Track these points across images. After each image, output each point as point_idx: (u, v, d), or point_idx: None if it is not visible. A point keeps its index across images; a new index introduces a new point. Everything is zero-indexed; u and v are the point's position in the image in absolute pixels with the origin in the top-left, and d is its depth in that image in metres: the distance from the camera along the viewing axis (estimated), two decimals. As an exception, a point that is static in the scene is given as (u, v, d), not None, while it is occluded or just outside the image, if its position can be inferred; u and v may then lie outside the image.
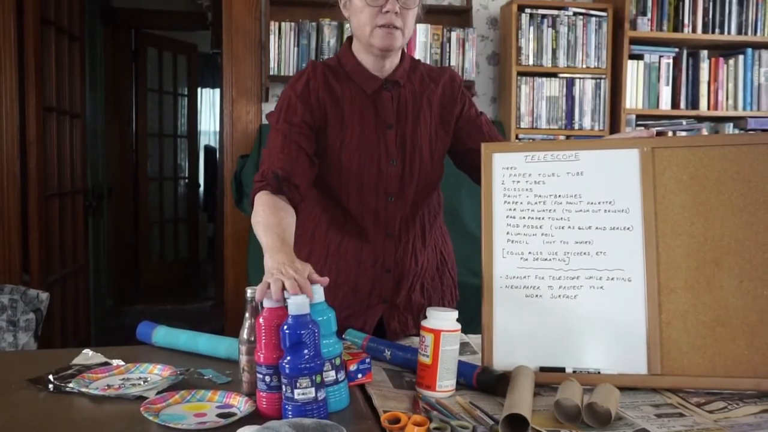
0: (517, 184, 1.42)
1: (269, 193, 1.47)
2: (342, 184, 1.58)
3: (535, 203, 1.40)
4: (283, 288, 1.13)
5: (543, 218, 1.39)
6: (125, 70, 5.76)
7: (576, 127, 3.74)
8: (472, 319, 1.47)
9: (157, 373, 1.33)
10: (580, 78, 3.72)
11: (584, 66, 3.71)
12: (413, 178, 1.61)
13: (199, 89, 7.14)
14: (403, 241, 1.64)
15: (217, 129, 7.68)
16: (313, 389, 1.08)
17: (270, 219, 1.39)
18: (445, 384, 1.26)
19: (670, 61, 3.81)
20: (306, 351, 1.08)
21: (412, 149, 1.60)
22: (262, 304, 1.15)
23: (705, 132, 3.83)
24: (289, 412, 1.09)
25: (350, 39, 1.63)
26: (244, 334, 1.22)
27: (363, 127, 1.58)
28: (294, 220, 1.45)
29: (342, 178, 1.58)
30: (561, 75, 3.72)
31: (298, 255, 1.62)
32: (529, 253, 1.39)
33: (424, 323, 1.29)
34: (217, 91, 7.54)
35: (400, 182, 1.60)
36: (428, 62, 3.20)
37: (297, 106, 1.55)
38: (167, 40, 6.28)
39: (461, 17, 3.75)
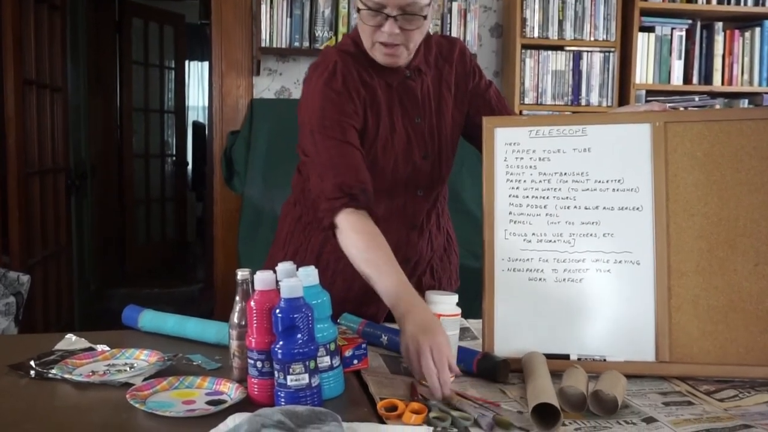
0: (520, 160, 1.41)
1: (354, 210, 1.40)
2: (374, 181, 1.48)
3: (540, 181, 1.40)
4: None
5: (548, 197, 1.39)
6: (109, 41, 5.72)
7: (583, 103, 3.73)
8: (473, 304, 1.47)
9: (143, 358, 1.33)
10: (587, 51, 3.70)
11: (592, 38, 3.68)
12: (442, 170, 1.59)
13: (186, 62, 7.10)
14: (425, 231, 1.63)
15: (206, 104, 7.64)
16: (306, 375, 1.08)
17: (379, 254, 1.35)
18: (444, 370, 1.26)
19: (683, 33, 3.79)
20: (299, 335, 1.08)
21: (439, 140, 1.58)
22: (253, 285, 1.15)
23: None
24: (282, 399, 1.09)
25: None
26: (235, 318, 1.22)
27: (394, 122, 1.53)
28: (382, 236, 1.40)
29: (375, 175, 1.49)
30: (567, 48, 3.70)
31: (310, 243, 1.61)
32: (533, 234, 1.39)
33: (423, 307, 1.28)
34: (206, 64, 7.49)
35: (431, 176, 1.58)
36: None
37: (342, 105, 1.46)
38: (153, 10, 6.22)
39: (463, -14, 3.72)
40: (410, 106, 1.55)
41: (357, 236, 1.38)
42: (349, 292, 1.55)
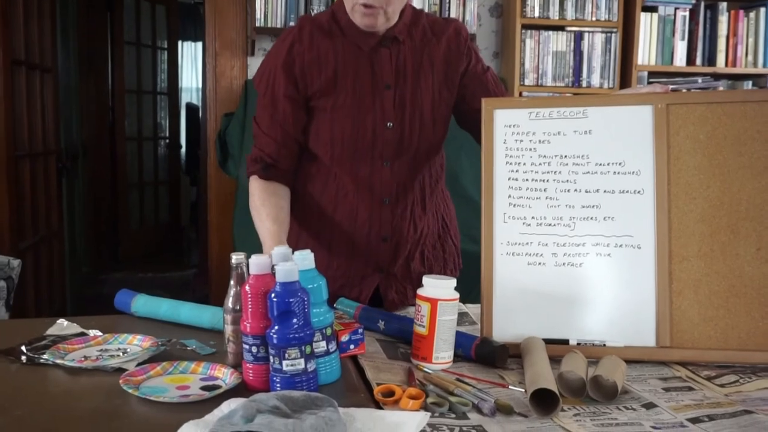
0: (520, 143, 1.41)
1: (263, 180, 1.58)
2: (334, 150, 1.57)
3: (540, 164, 1.39)
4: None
5: (547, 180, 1.39)
6: (100, 20, 5.68)
7: (584, 84, 3.72)
8: (472, 289, 1.47)
9: (136, 343, 1.33)
10: (589, 31, 3.69)
11: (594, 18, 3.67)
12: (412, 142, 1.59)
13: (180, 42, 7.06)
14: (401, 208, 1.63)
15: (200, 85, 7.61)
16: (302, 360, 1.09)
17: (264, 207, 1.54)
18: (441, 356, 1.26)
19: (686, 13, 3.78)
20: (295, 320, 1.08)
21: (411, 111, 1.58)
22: (248, 269, 1.15)
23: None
24: (278, 385, 1.09)
25: None
26: (230, 302, 1.22)
27: (357, 88, 1.55)
28: (287, 202, 1.58)
29: (334, 144, 1.56)
30: (568, 28, 3.68)
31: (293, 222, 1.64)
32: (532, 217, 1.38)
33: (420, 291, 1.29)
34: (200, 44, 7.46)
35: (398, 147, 1.58)
36: (426, 13, 3.14)
37: (279, 78, 1.56)
38: (145, -12, 6.18)
39: (462, -35, 3.69)
40: (380, 72, 1.56)
41: (255, 195, 1.59)
42: (328, 270, 1.59)
